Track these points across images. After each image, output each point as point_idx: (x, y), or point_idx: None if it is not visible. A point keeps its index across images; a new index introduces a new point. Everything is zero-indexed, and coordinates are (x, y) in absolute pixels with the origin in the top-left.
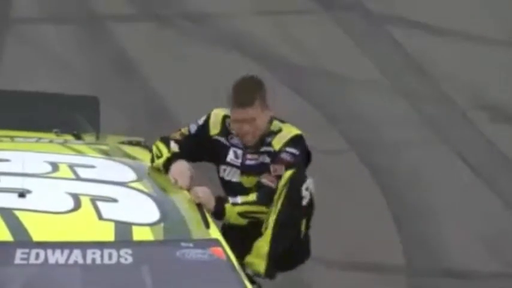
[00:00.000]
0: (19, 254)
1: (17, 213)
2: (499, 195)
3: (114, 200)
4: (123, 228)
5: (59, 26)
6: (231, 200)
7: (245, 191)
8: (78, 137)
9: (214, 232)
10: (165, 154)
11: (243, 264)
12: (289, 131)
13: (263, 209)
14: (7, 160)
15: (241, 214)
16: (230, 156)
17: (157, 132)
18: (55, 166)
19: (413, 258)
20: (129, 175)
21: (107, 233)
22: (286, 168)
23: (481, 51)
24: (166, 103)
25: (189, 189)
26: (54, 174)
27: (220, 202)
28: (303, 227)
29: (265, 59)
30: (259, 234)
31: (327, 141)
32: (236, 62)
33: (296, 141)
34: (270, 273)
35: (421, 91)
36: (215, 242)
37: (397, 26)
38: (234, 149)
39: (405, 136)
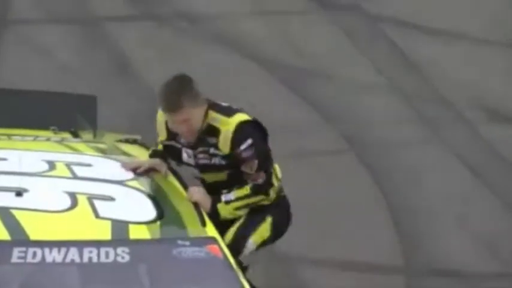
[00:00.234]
0: (16, 252)
1: (14, 212)
2: (498, 195)
3: (111, 199)
4: (120, 227)
5: (57, 27)
6: (223, 198)
7: (212, 186)
8: (75, 134)
9: (211, 230)
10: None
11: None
12: (227, 128)
13: (260, 198)
14: (4, 159)
15: (238, 208)
16: (184, 157)
17: (154, 131)
18: (52, 165)
19: (411, 259)
20: (126, 173)
21: (104, 232)
22: (256, 159)
23: (478, 52)
24: None
25: (179, 179)
26: (51, 173)
27: (213, 203)
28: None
29: (264, 59)
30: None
31: (326, 142)
32: (235, 62)
33: (240, 134)
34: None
35: (418, 91)
36: (212, 240)
37: (395, 27)
38: (185, 149)
39: (403, 136)
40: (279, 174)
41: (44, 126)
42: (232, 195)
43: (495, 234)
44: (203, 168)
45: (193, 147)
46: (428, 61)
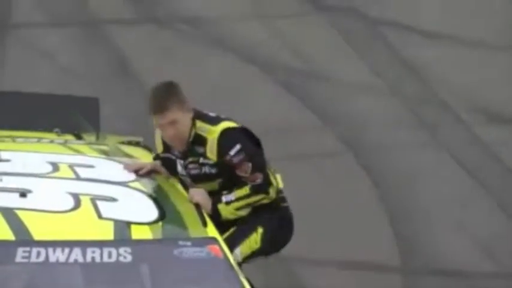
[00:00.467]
0: (20, 252)
1: (18, 212)
2: (494, 197)
3: (114, 200)
4: (122, 227)
5: (60, 30)
6: (224, 198)
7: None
8: (78, 137)
9: (212, 230)
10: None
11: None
12: (213, 136)
13: (260, 197)
14: (8, 160)
15: (239, 208)
16: (179, 168)
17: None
18: (55, 166)
19: (408, 258)
20: (128, 175)
21: (107, 232)
22: (249, 162)
23: (475, 55)
24: None
25: (180, 181)
26: (54, 174)
27: (214, 204)
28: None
29: (263, 61)
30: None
31: (324, 144)
32: (234, 64)
33: (225, 140)
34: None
35: (416, 94)
36: (212, 240)
37: (393, 30)
38: (178, 160)
39: (401, 138)
40: (281, 184)
41: (47, 129)
42: (232, 196)
43: (491, 235)
44: (195, 179)
45: (183, 157)
46: (426, 64)
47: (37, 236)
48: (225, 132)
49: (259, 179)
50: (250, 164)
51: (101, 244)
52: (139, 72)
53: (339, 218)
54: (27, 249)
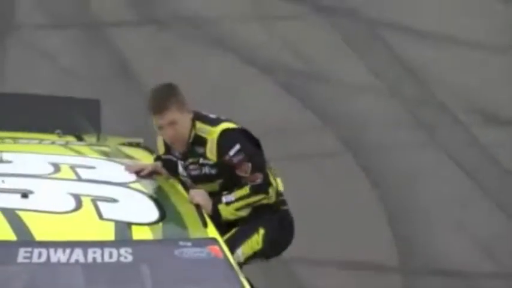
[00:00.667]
0: (22, 252)
1: (19, 213)
2: (492, 197)
3: (115, 200)
4: (123, 228)
5: (61, 31)
6: (224, 199)
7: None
8: (79, 138)
9: (212, 231)
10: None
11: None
12: (213, 137)
13: (260, 197)
14: (10, 161)
15: (239, 209)
16: (180, 169)
17: (156, 133)
18: (57, 167)
19: (408, 258)
20: (129, 176)
21: (108, 233)
22: (248, 162)
23: (473, 56)
24: None
25: (181, 182)
26: (56, 175)
27: (214, 204)
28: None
29: (263, 62)
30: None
31: (324, 144)
32: (234, 64)
33: (225, 141)
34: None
35: (415, 95)
36: (212, 241)
37: (391, 31)
38: (179, 161)
39: (400, 139)
40: (281, 187)
41: (49, 130)
42: (232, 196)
43: (489, 236)
44: (195, 179)
45: (183, 158)
46: (425, 64)
47: (38, 236)
48: (225, 133)
49: (259, 179)
50: (250, 164)
51: (102, 244)
52: (140, 73)
53: (339, 218)
54: (29, 249)
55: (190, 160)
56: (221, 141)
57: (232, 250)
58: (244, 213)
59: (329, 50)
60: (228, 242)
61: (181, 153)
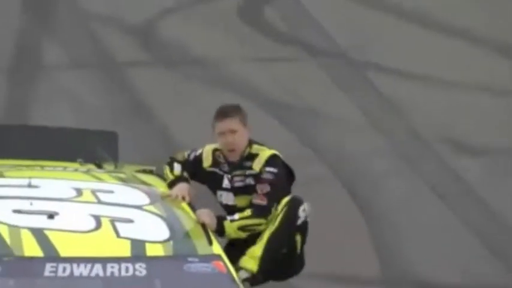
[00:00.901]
0: (48, 267)
1: (46, 232)
2: (463, 220)
3: (131, 221)
4: (138, 245)
5: (82, 71)
6: (229, 217)
7: (240, 211)
8: (99, 166)
9: (217, 248)
10: (170, 177)
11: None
12: (265, 154)
13: (258, 221)
14: (38, 186)
15: (240, 228)
16: (224, 183)
17: (167, 161)
18: (79, 191)
19: (387, 269)
20: (143, 199)
21: (124, 250)
22: (270, 186)
23: (448, 93)
24: (173, 135)
25: (189, 204)
26: (78, 199)
27: (219, 221)
28: (298, 244)
29: (259, 98)
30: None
31: (313, 171)
32: (232, 100)
33: (272, 160)
34: (261, 274)
35: (394, 128)
36: (217, 257)
37: (377, 72)
38: (226, 175)
39: (381, 166)
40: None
41: (72, 158)
42: (236, 216)
43: (460, 253)
44: (237, 191)
45: (231, 171)
46: (406, 102)
47: (63, 253)
48: (275, 156)
49: (264, 202)
50: (268, 188)
51: (119, 260)
52: (153, 108)
53: (326, 235)
54: (54, 264)
55: (238, 172)
56: (269, 159)
57: (300, 200)
58: (243, 234)
59: (320, 89)
60: (295, 197)
61: (230, 166)
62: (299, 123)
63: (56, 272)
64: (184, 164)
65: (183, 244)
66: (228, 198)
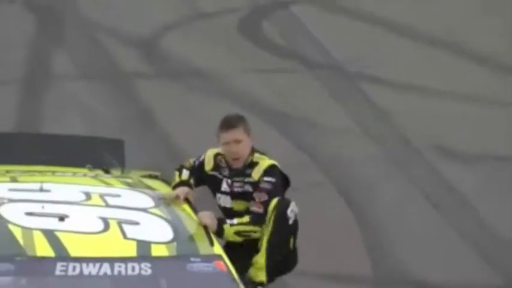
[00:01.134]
0: (59, 266)
1: (57, 233)
2: (451, 223)
3: (137, 223)
4: (144, 246)
5: (90, 81)
6: (228, 221)
7: (237, 214)
8: (107, 171)
9: (217, 249)
10: (177, 180)
11: (242, 273)
12: (264, 163)
13: (254, 228)
14: (49, 190)
15: (237, 233)
16: (223, 186)
17: (171, 167)
18: (88, 195)
19: (379, 272)
20: (148, 203)
21: (131, 250)
22: (268, 195)
23: (438, 103)
24: (176, 142)
25: (191, 207)
26: (87, 202)
27: (220, 223)
28: (291, 242)
29: (258, 108)
30: (255, 251)
31: (309, 176)
32: (232, 110)
33: (270, 170)
34: (269, 280)
35: (386, 136)
36: (218, 257)
37: (367, 82)
38: (225, 179)
39: (374, 172)
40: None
41: (81, 165)
42: (235, 220)
43: (447, 253)
44: (235, 196)
45: (231, 176)
46: (395, 110)
47: (73, 253)
48: (274, 166)
49: (261, 210)
50: (266, 197)
51: (126, 260)
52: (158, 117)
53: (322, 237)
54: (65, 264)
55: (237, 179)
56: (267, 169)
57: (287, 202)
58: (239, 239)
59: (316, 99)
60: (282, 199)
61: (230, 172)
62: (296, 132)
63: (66, 271)
64: (192, 170)
65: (186, 245)
66: (225, 201)
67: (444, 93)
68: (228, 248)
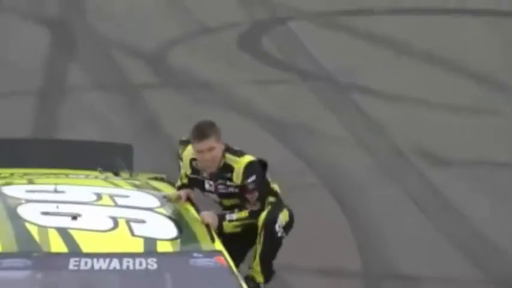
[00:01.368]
0: (72, 262)
1: (70, 231)
2: (436, 224)
3: (143, 222)
4: (150, 243)
5: (102, 91)
6: (227, 217)
7: (229, 208)
8: (116, 174)
9: (218, 245)
10: (177, 183)
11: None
12: (240, 167)
13: (253, 220)
14: (63, 191)
15: (237, 226)
16: (206, 186)
17: (175, 171)
18: (99, 196)
19: (368, 268)
20: (154, 203)
21: (138, 246)
22: (257, 191)
23: (425, 112)
24: None
25: (190, 202)
26: (98, 202)
27: (220, 220)
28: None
29: (257, 117)
30: (250, 238)
31: (305, 181)
32: (234, 119)
33: (248, 171)
34: (267, 280)
35: (377, 144)
36: (219, 253)
37: (359, 93)
38: (207, 181)
39: (364, 177)
40: (278, 190)
41: (92, 168)
42: (234, 216)
43: (433, 250)
44: (222, 195)
45: (214, 180)
46: (386, 120)
47: (85, 249)
48: (249, 164)
49: (257, 206)
50: (257, 194)
51: (133, 255)
52: (164, 125)
53: (314, 234)
54: (78, 259)
55: (220, 181)
56: (245, 171)
57: (275, 217)
58: (238, 229)
59: (311, 109)
60: (270, 212)
61: (209, 174)
62: (293, 139)
63: (79, 265)
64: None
65: (189, 241)
66: (213, 198)
67: (429, 103)
68: (220, 235)
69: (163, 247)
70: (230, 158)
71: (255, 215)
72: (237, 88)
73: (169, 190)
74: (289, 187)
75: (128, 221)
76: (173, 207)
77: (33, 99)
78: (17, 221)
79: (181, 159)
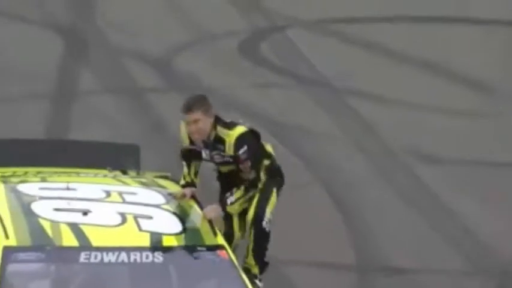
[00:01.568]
0: (83, 255)
1: (81, 226)
2: (428, 221)
3: (150, 217)
4: (156, 237)
5: (111, 95)
6: (228, 201)
7: (225, 173)
8: (124, 172)
9: (220, 240)
10: (181, 182)
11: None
12: (231, 139)
13: (252, 192)
14: (74, 189)
15: (240, 204)
16: (203, 156)
17: (179, 170)
18: (108, 193)
19: (361, 261)
20: (160, 200)
21: (145, 241)
22: (250, 160)
23: (417, 115)
24: None
25: (194, 200)
26: (107, 199)
27: (223, 207)
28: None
29: (258, 118)
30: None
31: (302, 178)
32: (235, 120)
33: (239, 142)
34: (261, 271)
35: (371, 145)
36: (221, 247)
37: (353, 97)
38: (203, 150)
39: (358, 176)
40: (272, 151)
41: (102, 167)
42: (233, 198)
43: (423, 246)
44: (219, 163)
45: (207, 148)
46: (380, 123)
47: (95, 243)
48: (239, 137)
49: (252, 175)
50: (249, 163)
51: (140, 249)
52: (169, 126)
53: (309, 230)
54: (88, 253)
55: (215, 152)
56: (236, 143)
57: (262, 214)
58: (246, 205)
59: (308, 111)
60: (257, 209)
61: (201, 144)
62: (291, 139)
63: (89, 259)
64: (185, 159)
65: (193, 236)
66: (211, 165)
67: (420, 106)
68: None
69: (169, 241)
70: (221, 130)
71: (252, 186)
72: (238, 92)
73: (173, 188)
74: (287, 185)
75: (135, 217)
76: (178, 204)
77: (46, 103)
78: (31, 217)
79: (182, 158)
